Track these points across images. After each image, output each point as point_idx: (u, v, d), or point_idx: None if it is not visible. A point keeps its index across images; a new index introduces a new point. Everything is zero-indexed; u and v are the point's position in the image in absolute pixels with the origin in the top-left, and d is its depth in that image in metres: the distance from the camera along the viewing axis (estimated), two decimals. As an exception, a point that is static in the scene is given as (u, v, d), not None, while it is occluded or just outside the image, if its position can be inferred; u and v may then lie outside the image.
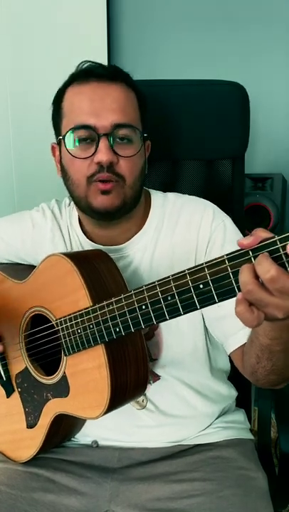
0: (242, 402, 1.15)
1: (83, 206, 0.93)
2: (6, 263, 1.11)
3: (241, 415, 1.10)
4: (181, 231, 0.96)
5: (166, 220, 0.98)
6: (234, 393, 1.09)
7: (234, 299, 0.84)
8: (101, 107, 0.87)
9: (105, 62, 1.75)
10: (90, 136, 0.88)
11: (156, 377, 0.99)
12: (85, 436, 1.04)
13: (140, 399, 0.98)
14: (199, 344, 0.98)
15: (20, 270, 1.02)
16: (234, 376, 1.12)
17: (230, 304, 0.86)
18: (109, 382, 0.82)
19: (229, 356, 0.97)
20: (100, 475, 0.96)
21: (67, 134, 0.90)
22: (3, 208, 1.79)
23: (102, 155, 0.86)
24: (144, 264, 0.97)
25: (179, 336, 0.97)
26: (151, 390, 0.98)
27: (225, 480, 0.92)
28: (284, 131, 1.87)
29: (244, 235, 0.98)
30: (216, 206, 0.99)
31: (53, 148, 0.99)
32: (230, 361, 1.06)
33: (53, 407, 0.93)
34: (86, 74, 0.90)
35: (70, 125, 0.90)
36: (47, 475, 0.96)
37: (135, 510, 0.90)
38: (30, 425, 0.98)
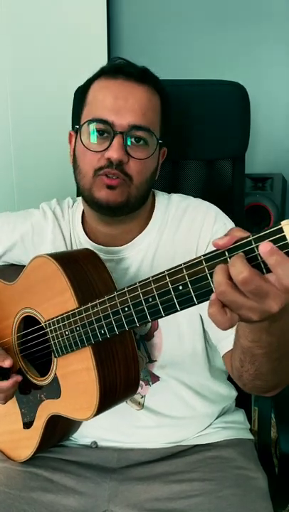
0: (242, 402, 1.14)
1: (87, 197, 0.93)
2: (3, 265, 1.11)
3: (241, 415, 1.10)
4: (183, 233, 0.96)
5: (170, 222, 0.98)
6: (234, 393, 1.09)
7: None
8: (123, 105, 0.87)
9: (105, 63, 1.76)
10: (106, 130, 0.88)
11: (156, 379, 0.98)
12: (84, 437, 1.03)
13: (139, 398, 0.98)
14: (198, 345, 0.98)
15: (13, 271, 1.02)
16: (234, 376, 1.12)
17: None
18: (97, 385, 0.81)
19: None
20: (99, 475, 0.96)
21: (85, 124, 0.90)
22: (3, 205, 1.79)
23: (114, 152, 0.86)
24: (146, 264, 0.97)
25: (178, 337, 0.96)
26: (151, 391, 0.98)
27: (224, 480, 0.92)
28: (284, 132, 1.88)
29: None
30: (219, 209, 0.99)
31: (70, 135, 0.99)
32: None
33: (47, 408, 0.93)
34: (115, 70, 0.91)
35: (88, 117, 0.90)
36: (45, 475, 0.96)
37: (134, 511, 0.90)
38: (27, 426, 0.98)
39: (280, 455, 0.99)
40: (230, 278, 0.55)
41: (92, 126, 0.89)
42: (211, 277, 0.58)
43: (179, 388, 0.99)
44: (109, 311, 0.75)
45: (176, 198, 1.02)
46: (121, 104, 0.87)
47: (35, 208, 1.09)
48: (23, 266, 1.02)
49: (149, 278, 0.67)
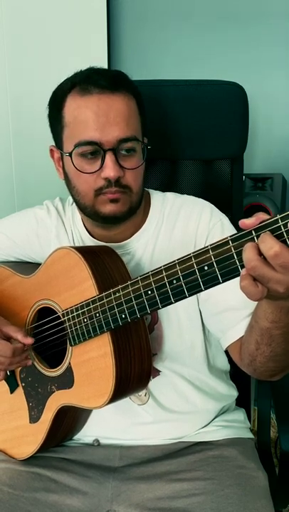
0: (242, 402, 1.17)
1: (89, 213, 0.97)
2: (15, 261, 1.14)
3: (241, 414, 1.13)
4: (180, 229, 1.00)
5: (166, 218, 1.02)
6: (234, 393, 1.12)
7: (230, 294, 0.87)
8: (105, 121, 0.89)
9: (105, 63, 1.78)
10: (95, 151, 0.90)
11: (156, 373, 1.02)
12: (86, 435, 1.06)
13: (142, 393, 1.01)
14: (197, 340, 1.02)
15: (29, 268, 1.06)
16: (234, 376, 1.14)
17: (228, 298, 0.91)
18: (114, 370, 0.85)
19: (226, 352, 1.00)
20: (102, 474, 0.99)
21: (74, 149, 0.91)
22: (3, 210, 1.81)
23: (110, 171, 0.89)
24: (144, 260, 1.01)
25: (178, 331, 1.00)
26: (152, 385, 1.01)
27: (225, 479, 0.94)
28: (284, 132, 1.89)
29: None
30: (213, 206, 1.03)
31: (51, 151, 1.02)
32: (230, 361, 1.07)
33: (57, 400, 0.96)
34: (87, 84, 0.90)
35: (74, 139, 0.91)
36: (49, 475, 0.99)
37: (136, 510, 0.93)
38: (33, 420, 1.01)
39: (280, 454, 1.00)
40: (259, 254, 0.61)
41: (81, 149, 0.91)
42: (237, 256, 0.65)
43: (179, 382, 1.03)
44: (132, 295, 0.80)
45: (171, 195, 1.06)
46: (104, 121, 0.88)
47: (38, 205, 1.13)
48: (37, 263, 1.07)
49: (174, 261, 0.73)
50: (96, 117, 0.88)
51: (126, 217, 0.95)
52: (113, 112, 0.89)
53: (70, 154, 0.92)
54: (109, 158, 0.89)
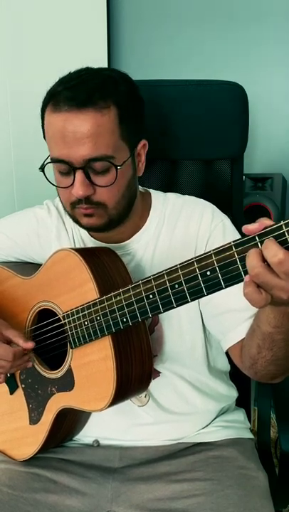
0: (242, 402, 1.17)
1: (72, 219, 0.97)
2: (15, 261, 1.14)
3: (241, 415, 1.13)
4: (181, 230, 1.00)
5: (167, 219, 1.02)
6: (234, 394, 1.12)
7: (232, 296, 0.87)
8: (72, 141, 0.86)
9: (105, 63, 1.77)
10: (66, 168, 0.89)
11: (156, 374, 1.01)
12: (86, 436, 1.06)
13: (142, 394, 1.00)
14: (198, 341, 1.01)
15: (29, 269, 1.06)
16: (234, 376, 1.13)
17: (229, 300, 0.90)
18: (115, 373, 0.85)
19: (227, 353, 1.00)
20: (102, 475, 0.98)
21: (50, 162, 0.92)
22: (3, 209, 1.81)
23: (77, 190, 0.88)
24: (145, 261, 1.01)
25: (179, 332, 1.00)
26: (152, 386, 1.00)
27: (225, 479, 0.94)
28: (284, 131, 1.89)
29: (242, 235, 1.01)
30: (215, 206, 1.03)
31: None
32: (230, 362, 1.07)
33: (57, 402, 0.96)
34: (59, 100, 0.87)
35: (50, 152, 0.91)
36: (48, 475, 0.99)
37: (136, 511, 0.93)
38: (34, 421, 1.01)
39: (280, 455, 1.00)
40: (263, 260, 0.61)
41: (54, 165, 0.91)
42: (240, 262, 0.64)
43: (180, 384, 1.02)
44: (133, 299, 0.80)
45: (172, 195, 1.06)
46: (70, 141, 0.86)
47: (39, 205, 1.13)
48: (37, 264, 1.07)
49: (176, 265, 0.72)
50: (62, 137, 0.86)
51: (107, 228, 0.95)
52: (80, 132, 0.85)
53: (46, 166, 0.92)
54: (77, 177, 0.87)
